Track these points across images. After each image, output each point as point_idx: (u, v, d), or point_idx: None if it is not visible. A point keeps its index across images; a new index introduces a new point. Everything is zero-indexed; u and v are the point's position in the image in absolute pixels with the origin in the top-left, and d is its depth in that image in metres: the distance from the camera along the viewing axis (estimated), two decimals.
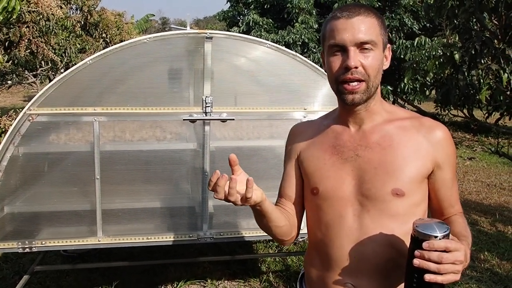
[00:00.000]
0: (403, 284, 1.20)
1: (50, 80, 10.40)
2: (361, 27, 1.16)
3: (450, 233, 1.04)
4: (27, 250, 2.45)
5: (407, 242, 1.16)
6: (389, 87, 9.85)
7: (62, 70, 9.31)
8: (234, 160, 1.18)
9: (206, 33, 2.41)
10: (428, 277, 0.98)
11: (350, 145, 1.28)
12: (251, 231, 2.63)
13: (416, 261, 1.00)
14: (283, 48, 2.58)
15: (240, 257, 3.89)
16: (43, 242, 2.46)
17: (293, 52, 2.57)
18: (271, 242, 4.34)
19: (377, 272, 1.24)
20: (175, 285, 3.55)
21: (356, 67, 1.16)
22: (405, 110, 1.36)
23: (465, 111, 3.79)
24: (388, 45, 1.26)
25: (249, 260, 4.00)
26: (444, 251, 0.99)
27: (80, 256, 3.89)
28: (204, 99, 2.46)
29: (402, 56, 8.94)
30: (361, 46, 1.17)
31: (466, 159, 8.34)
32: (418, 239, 1.02)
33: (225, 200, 1.15)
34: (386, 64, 1.26)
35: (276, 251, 4.25)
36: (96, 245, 2.50)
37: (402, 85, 9.03)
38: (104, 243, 2.51)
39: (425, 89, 3.74)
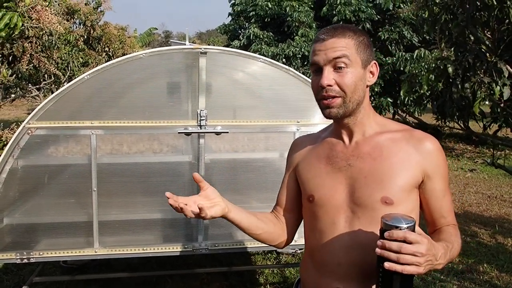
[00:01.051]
0: None
1: (53, 93, 10.51)
2: (334, 48, 1.24)
3: (416, 227, 1.07)
4: (25, 261, 2.49)
5: None
6: (389, 99, 9.90)
7: (65, 84, 9.43)
8: (197, 178, 1.32)
9: (200, 48, 2.47)
10: (387, 264, 1.03)
11: (343, 155, 1.34)
12: (245, 242, 2.66)
13: (378, 250, 1.05)
14: (277, 62, 2.64)
15: (237, 269, 3.90)
16: (41, 253, 2.49)
17: (286, 67, 2.63)
18: (269, 254, 4.35)
19: (366, 277, 1.28)
20: None
21: (330, 85, 1.24)
22: (396, 123, 1.41)
23: (461, 123, 3.82)
24: (373, 62, 1.32)
25: (247, 272, 4.01)
26: (405, 241, 1.03)
27: (80, 268, 3.91)
28: (199, 112, 2.51)
29: (402, 69, 9.01)
30: (334, 65, 1.24)
31: (467, 171, 8.33)
32: (383, 230, 1.07)
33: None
34: (372, 80, 1.33)
35: (274, 263, 4.26)
36: (93, 256, 2.54)
37: (402, 97, 9.09)
38: (101, 254, 2.54)
39: (422, 101, 3.78)
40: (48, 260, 2.55)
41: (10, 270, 3.99)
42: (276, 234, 1.49)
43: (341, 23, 10.07)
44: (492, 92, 3.09)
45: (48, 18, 3.45)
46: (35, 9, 3.38)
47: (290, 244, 1.55)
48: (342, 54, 1.23)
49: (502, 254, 4.46)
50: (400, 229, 1.04)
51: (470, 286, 3.77)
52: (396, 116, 11.55)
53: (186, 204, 1.25)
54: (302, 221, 1.51)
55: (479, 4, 3.08)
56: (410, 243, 1.03)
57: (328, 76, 1.24)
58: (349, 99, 1.26)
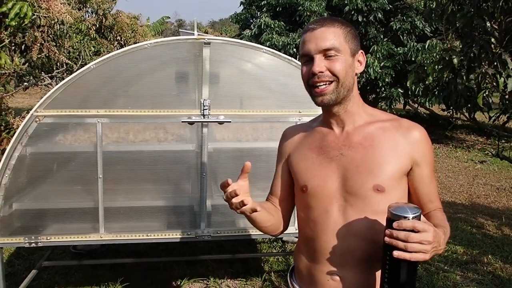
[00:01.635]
0: None
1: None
2: (324, 37, 1.29)
3: (422, 217, 1.12)
4: (33, 245, 2.57)
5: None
6: (400, 89, 9.81)
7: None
8: (246, 168, 1.29)
9: (204, 38, 2.50)
10: (396, 253, 1.08)
11: (335, 145, 1.38)
12: (247, 230, 2.71)
13: (386, 239, 1.10)
14: (279, 53, 2.66)
15: (242, 256, 3.97)
16: (48, 238, 2.57)
17: (289, 57, 2.65)
18: (275, 243, 4.41)
19: (360, 263, 1.33)
20: (178, 283, 3.64)
21: (321, 72, 1.28)
22: (384, 113, 1.44)
23: (467, 113, 3.81)
24: (361, 51, 1.37)
25: (252, 260, 4.08)
26: (413, 231, 1.08)
27: (89, 254, 4.02)
28: (202, 102, 2.55)
29: (413, 59, 8.91)
30: (325, 53, 1.29)
31: (477, 163, 8.27)
32: (391, 220, 1.11)
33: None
34: (360, 68, 1.37)
35: (279, 251, 4.31)
36: (98, 241, 2.61)
37: (412, 88, 9.00)
38: (106, 239, 2.61)
39: (428, 92, 3.76)
40: (55, 244, 2.63)
41: (21, 254, 4.12)
42: (279, 224, 1.54)
43: (353, 12, 9.97)
44: (496, 83, 3.08)
45: (57, 8, 3.50)
46: None
47: (294, 233, 1.58)
48: (332, 44, 1.28)
49: (507, 245, 4.46)
50: (408, 219, 1.09)
51: (473, 277, 3.78)
52: (407, 107, 11.44)
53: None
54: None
55: None
56: (417, 231, 1.08)
57: (320, 64, 1.28)
58: (341, 84, 1.30)
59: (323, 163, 1.38)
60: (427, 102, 9.39)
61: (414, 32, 9.87)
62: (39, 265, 3.17)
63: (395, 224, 1.09)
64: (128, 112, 2.54)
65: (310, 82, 1.32)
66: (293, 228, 2.55)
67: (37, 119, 2.46)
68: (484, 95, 3.13)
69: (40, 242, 2.56)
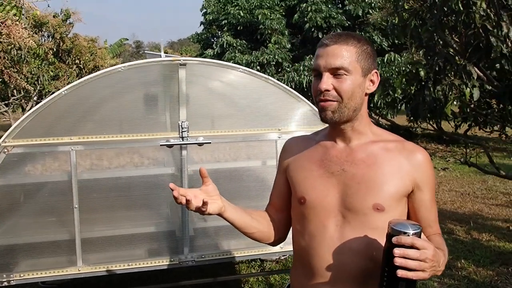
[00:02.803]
0: None
1: (23, 109, 10.26)
2: (335, 55, 1.27)
3: (422, 235, 1.11)
4: (5, 283, 2.41)
5: None
6: None
7: (35, 98, 9.22)
8: (203, 172, 1.36)
9: (180, 60, 2.47)
10: (400, 272, 1.06)
11: (337, 160, 1.37)
12: (232, 252, 2.66)
13: (398, 260, 1.07)
14: (256, 72, 2.66)
15: (222, 279, 3.88)
16: (22, 275, 2.42)
17: (266, 76, 2.65)
18: (253, 262, 4.35)
19: (355, 281, 1.31)
20: None
21: (327, 90, 1.28)
22: (391, 134, 1.44)
23: (434, 124, 3.94)
24: (375, 71, 1.35)
25: (232, 281, 4.00)
26: (412, 248, 1.07)
27: (59, 287, 3.81)
28: (180, 124, 2.51)
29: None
30: (333, 71, 1.27)
31: (440, 170, 8.56)
32: (391, 235, 1.10)
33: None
34: (372, 88, 1.36)
35: (259, 271, 4.25)
36: (76, 275, 2.48)
37: (375, 100, 9.28)
38: (85, 272, 2.49)
39: (395, 104, 3.88)
40: (30, 281, 2.48)
41: None
42: (270, 233, 1.53)
43: (313, 29, 10.22)
44: (462, 93, 3.20)
45: (19, 33, 3.38)
46: (5, 24, 3.30)
47: (273, 252, 1.58)
48: (341, 64, 1.26)
49: (478, 249, 4.60)
50: (408, 235, 1.08)
51: (450, 282, 3.87)
52: (370, 119, 11.75)
53: (187, 196, 1.29)
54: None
55: (446, 9, 3.19)
56: (417, 249, 1.07)
57: (327, 81, 1.27)
58: (344, 104, 1.29)
59: (323, 177, 1.37)
60: (388, 114, 9.69)
61: (373, 46, 10.22)
62: None
63: (394, 239, 1.08)
64: (103, 138, 2.45)
65: (317, 99, 1.32)
66: (277, 247, 2.53)
67: (5, 150, 2.34)
68: (451, 105, 3.25)
69: (13, 280, 2.40)
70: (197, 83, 2.64)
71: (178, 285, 3.79)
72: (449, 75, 3.16)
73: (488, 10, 2.88)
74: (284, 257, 4.31)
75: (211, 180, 1.36)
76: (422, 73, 3.25)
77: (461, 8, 2.96)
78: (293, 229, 1.48)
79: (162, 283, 3.88)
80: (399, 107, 4.20)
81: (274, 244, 1.57)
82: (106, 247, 2.56)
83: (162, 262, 2.57)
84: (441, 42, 3.45)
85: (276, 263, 4.38)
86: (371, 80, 1.34)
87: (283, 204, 1.53)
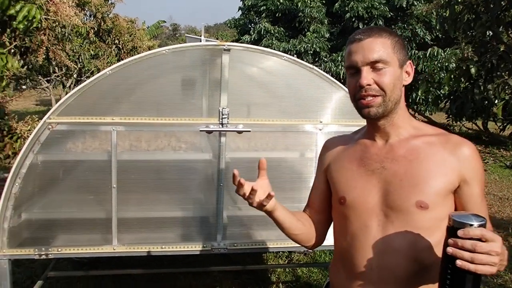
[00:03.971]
0: None
1: (63, 86, 10.52)
2: (372, 48, 1.24)
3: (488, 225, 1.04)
4: (44, 257, 2.47)
5: (431, 255, 1.18)
6: None
7: (75, 76, 9.44)
8: (263, 164, 1.32)
9: (224, 45, 2.43)
10: (460, 262, 0.98)
11: (376, 157, 1.33)
12: (264, 243, 2.63)
13: (450, 249, 1.00)
14: (300, 61, 2.59)
15: (251, 267, 3.89)
16: (59, 249, 2.48)
17: (310, 65, 2.58)
18: (281, 253, 4.33)
19: (399, 282, 1.26)
20: None
21: (369, 85, 1.24)
22: (432, 127, 1.39)
23: (479, 123, 3.78)
24: (409, 62, 1.33)
25: (259, 270, 4.00)
26: (480, 240, 0.98)
27: (90, 261, 3.91)
28: (220, 110, 2.48)
29: (414, 67, 8.95)
30: (373, 65, 1.24)
31: None
32: (453, 228, 1.02)
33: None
34: (408, 80, 1.33)
35: (286, 262, 4.24)
36: (111, 253, 2.52)
37: (414, 96, 9.01)
38: (119, 251, 2.52)
39: (439, 101, 3.73)
40: (66, 256, 2.54)
41: (21, 262, 4.00)
42: (312, 235, 1.50)
43: (353, 19, 9.98)
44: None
45: (65, 11, 3.42)
46: (53, 2, 3.35)
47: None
48: (380, 56, 1.24)
49: None
50: (474, 227, 1.00)
51: None
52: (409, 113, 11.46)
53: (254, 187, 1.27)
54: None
55: (504, 4, 3.02)
56: (485, 241, 0.99)
57: (367, 76, 1.24)
58: (388, 97, 1.26)
59: (363, 176, 1.33)
60: (427, 110, 9.41)
61: (415, 39, 9.91)
62: (45, 275, 3.06)
63: (460, 232, 0.99)
64: (144, 120, 2.45)
65: (357, 96, 1.27)
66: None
67: (50, 126, 2.37)
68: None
69: (51, 254, 2.46)
70: (239, 69, 2.60)
71: (207, 270, 3.83)
72: (502, 74, 3.00)
73: None
74: (312, 250, 4.28)
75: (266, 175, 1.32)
76: (473, 70, 3.10)
77: None
78: (334, 229, 1.46)
79: (190, 267, 3.93)
80: (443, 105, 4.05)
81: (312, 247, 1.53)
82: (141, 228, 2.58)
83: (194, 248, 2.57)
84: (495, 39, 3.27)
85: (304, 255, 4.35)
86: (407, 72, 1.32)
87: (322, 205, 1.50)
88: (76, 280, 3.72)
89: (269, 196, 1.25)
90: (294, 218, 1.42)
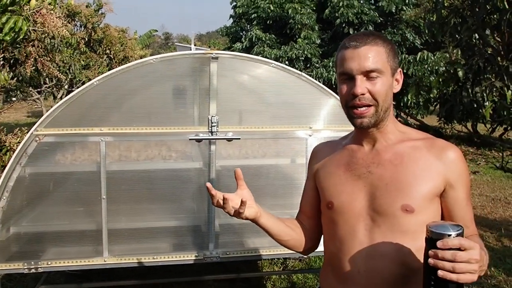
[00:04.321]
0: None
1: (54, 97, 10.47)
2: (367, 57, 1.23)
3: (464, 235, 1.04)
4: (33, 270, 2.44)
5: (417, 259, 1.18)
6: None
7: (66, 87, 9.40)
8: (239, 174, 1.31)
9: (212, 53, 2.43)
10: (441, 272, 0.99)
11: (363, 162, 1.33)
12: (256, 250, 2.62)
13: (431, 260, 1.01)
14: (289, 67, 2.60)
15: (245, 275, 3.86)
16: (49, 263, 2.45)
17: (299, 72, 2.59)
18: (276, 259, 4.31)
19: (387, 286, 1.27)
20: None
21: (363, 94, 1.24)
22: (417, 131, 1.40)
23: (469, 125, 3.80)
24: (399, 69, 1.33)
25: (254, 278, 3.97)
26: (459, 249, 0.99)
27: (84, 274, 3.87)
28: (210, 118, 2.47)
29: (404, 71, 9.01)
30: (367, 74, 1.24)
31: (470, 173, 8.31)
32: (432, 239, 1.03)
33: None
34: (397, 87, 1.34)
35: (282, 268, 4.22)
36: (102, 265, 2.49)
37: (405, 99, 9.07)
38: (110, 263, 2.50)
39: (429, 104, 3.75)
40: (56, 269, 2.51)
41: (13, 276, 3.94)
42: (302, 241, 1.50)
43: (344, 25, 10.05)
44: (501, 95, 3.07)
45: (53, 22, 3.41)
46: (40, 13, 3.33)
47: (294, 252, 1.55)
48: (375, 66, 1.23)
49: (509, 257, 4.43)
50: (451, 236, 1.01)
51: None
52: (398, 118, 11.53)
53: (225, 195, 1.26)
54: None
55: (489, 7, 3.05)
56: (464, 250, 0.99)
57: (362, 85, 1.24)
58: (381, 107, 1.26)
59: (350, 181, 1.34)
60: (418, 114, 9.46)
61: (405, 44, 9.97)
62: None
63: (439, 244, 1.00)
64: (133, 130, 2.44)
65: (350, 104, 1.27)
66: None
67: (37, 139, 2.35)
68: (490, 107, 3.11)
69: (40, 267, 2.43)
70: (228, 77, 2.60)
71: (201, 279, 3.80)
72: (489, 76, 3.02)
73: None
74: (307, 256, 4.26)
75: (245, 185, 1.33)
76: (460, 73, 3.13)
77: (506, 6, 2.83)
78: (324, 234, 1.46)
79: (184, 276, 3.89)
80: (432, 108, 4.07)
81: (306, 252, 1.54)
82: (132, 239, 2.56)
83: (187, 257, 2.56)
84: (481, 42, 3.31)
85: (299, 261, 4.33)
86: (396, 79, 1.32)
87: (313, 211, 1.51)
88: None
89: (242, 203, 1.23)
90: (282, 224, 1.42)
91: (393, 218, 1.24)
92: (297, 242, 1.48)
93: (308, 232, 1.51)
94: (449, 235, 1.01)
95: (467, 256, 0.98)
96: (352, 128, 1.38)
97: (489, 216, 5.83)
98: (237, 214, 1.27)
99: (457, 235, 1.01)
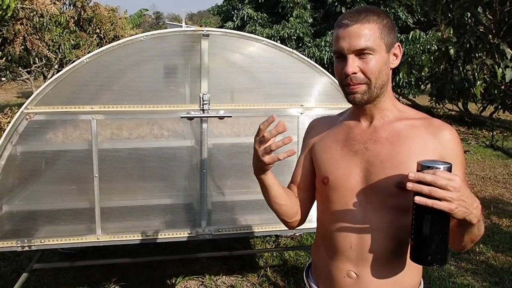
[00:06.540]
0: (403, 273, 1.29)
1: (44, 77, 10.34)
2: (358, 36, 1.22)
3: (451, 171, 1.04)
4: (26, 248, 2.46)
5: (409, 234, 1.20)
6: None
7: (56, 66, 9.27)
8: (282, 126, 1.22)
9: (203, 30, 2.41)
10: (418, 198, 1.01)
11: (360, 138, 1.34)
12: (249, 227, 2.65)
13: (409, 184, 1.03)
14: (280, 45, 2.59)
15: (237, 253, 3.91)
16: (42, 241, 2.46)
17: (290, 49, 2.58)
18: (268, 237, 4.37)
19: (378, 261, 1.29)
20: (173, 281, 3.57)
21: (354, 73, 1.23)
22: (416, 111, 1.39)
23: (460, 104, 3.82)
24: (397, 44, 1.30)
25: (247, 255, 4.03)
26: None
27: (78, 253, 3.90)
28: (201, 96, 2.47)
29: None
30: (358, 53, 1.23)
31: None
32: (418, 172, 1.04)
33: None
34: (396, 62, 1.31)
35: (274, 246, 4.27)
36: (95, 243, 2.51)
37: (397, 79, 9.07)
38: (103, 240, 2.52)
39: (420, 83, 3.76)
40: (50, 247, 2.52)
41: (7, 256, 3.96)
42: (295, 210, 1.50)
43: (336, 4, 9.96)
44: (492, 74, 3.08)
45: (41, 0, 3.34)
46: None
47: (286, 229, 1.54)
48: (366, 44, 1.22)
49: (497, 234, 4.52)
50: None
51: (467, 267, 3.82)
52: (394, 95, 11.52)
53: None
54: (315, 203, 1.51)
55: None
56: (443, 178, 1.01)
57: (353, 64, 1.23)
58: (373, 85, 1.25)
59: (346, 156, 1.34)
60: (410, 93, 9.49)
61: (397, 23, 9.92)
62: (30, 268, 3.04)
63: (424, 171, 1.03)
64: (124, 108, 2.43)
65: (344, 83, 1.27)
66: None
67: (27, 117, 2.34)
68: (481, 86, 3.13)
69: (34, 245, 2.45)
70: (219, 55, 2.58)
71: (194, 256, 3.84)
72: (480, 54, 3.03)
73: None
74: (299, 234, 4.32)
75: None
76: (452, 51, 3.13)
77: None
78: (318, 210, 1.46)
79: (178, 254, 3.93)
80: (424, 87, 4.08)
81: (293, 224, 1.53)
82: (124, 217, 2.58)
83: (179, 234, 2.58)
84: (473, 19, 3.30)
85: (291, 239, 4.39)
86: (395, 54, 1.30)
87: (306, 183, 1.51)
88: (63, 271, 3.71)
89: (289, 152, 1.19)
90: (282, 188, 1.42)
91: (387, 194, 1.26)
92: (289, 209, 1.47)
93: (298, 204, 1.51)
94: (438, 168, 1.02)
95: (445, 181, 1.00)
96: (344, 105, 1.38)
97: (478, 195, 5.93)
98: (268, 152, 1.23)
99: (446, 169, 1.02)
